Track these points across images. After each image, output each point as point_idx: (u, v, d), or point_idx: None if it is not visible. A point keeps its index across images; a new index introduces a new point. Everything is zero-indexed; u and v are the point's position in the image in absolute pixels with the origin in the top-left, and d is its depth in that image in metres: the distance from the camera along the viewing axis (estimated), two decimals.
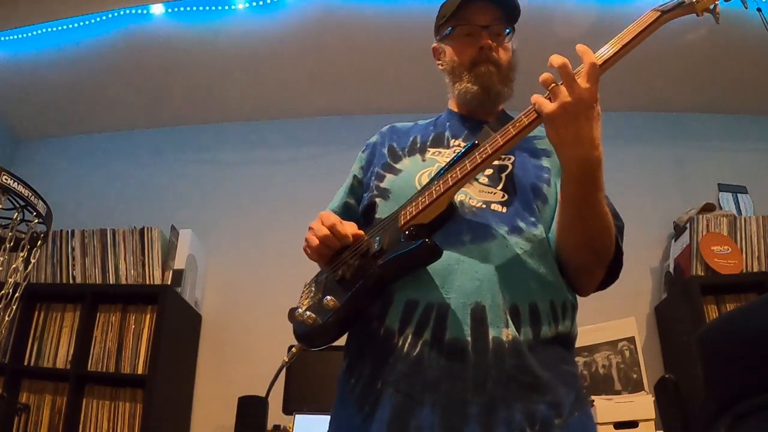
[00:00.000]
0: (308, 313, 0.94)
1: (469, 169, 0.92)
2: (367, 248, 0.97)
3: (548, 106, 0.85)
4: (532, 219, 1.00)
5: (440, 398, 0.87)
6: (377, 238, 0.96)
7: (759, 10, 2.30)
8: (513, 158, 1.07)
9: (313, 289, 1.04)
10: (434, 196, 0.94)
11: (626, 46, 0.88)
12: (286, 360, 1.00)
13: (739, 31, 2.61)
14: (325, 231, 1.00)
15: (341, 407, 0.99)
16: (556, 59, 0.84)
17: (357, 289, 0.94)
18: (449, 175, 0.94)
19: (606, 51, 0.88)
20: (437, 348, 0.89)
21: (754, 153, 3.05)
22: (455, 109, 1.23)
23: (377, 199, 1.10)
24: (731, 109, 3.11)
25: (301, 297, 1.06)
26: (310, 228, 1.04)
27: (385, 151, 1.18)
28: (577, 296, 1.04)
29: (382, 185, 1.11)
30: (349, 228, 1.01)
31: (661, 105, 3.12)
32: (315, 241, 1.01)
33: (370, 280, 0.93)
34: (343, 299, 0.93)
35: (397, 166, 1.13)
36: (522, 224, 0.98)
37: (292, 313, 0.98)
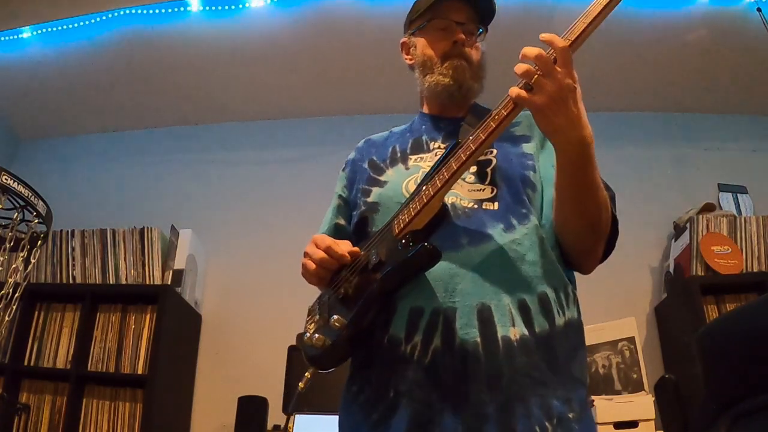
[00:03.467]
0: (317, 335, 0.94)
1: (455, 168, 0.92)
2: (365, 263, 0.97)
3: (537, 99, 0.85)
4: (524, 211, 1.00)
5: (459, 404, 0.87)
6: (374, 251, 0.96)
7: (759, 10, 2.30)
8: (495, 151, 1.07)
9: (317, 312, 1.04)
10: (425, 200, 0.93)
11: (591, 24, 0.86)
12: (302, 386, 0.99)
13: (739, 32, 2.61)
14: (321, 254, 1.00)
15: (345, 415, 1.00)
16: (530, 51, 0.85)
17: (361, 304, 0.94)
18: (437, 177, 0.94)
19: (572, 32, 0.86)
20: (449, 353, 0.90)
21: (754, 153, 3.05)
22: (427, 111, 1.23)
23: (368, 214, 1.09)
24: (731, 109, 3.11)
25: (307, 322, 1.06)
26: (305, 253, 1.04)
27: (366, 165, 1.17)
28: (576, 294, 1.04)
29: (369, 200, 1.10)
30: (345, 247, 1.01)
31: (661, 105, 3.12)
32: (312, 265, 1.01)
33: (373, 294, 0.93)
34: (349, 316, 0.93)
35: (382, 178, 1.12)
36: (515, 219, 0.99)
37: (300, 339, 0.98)
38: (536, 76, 0.84)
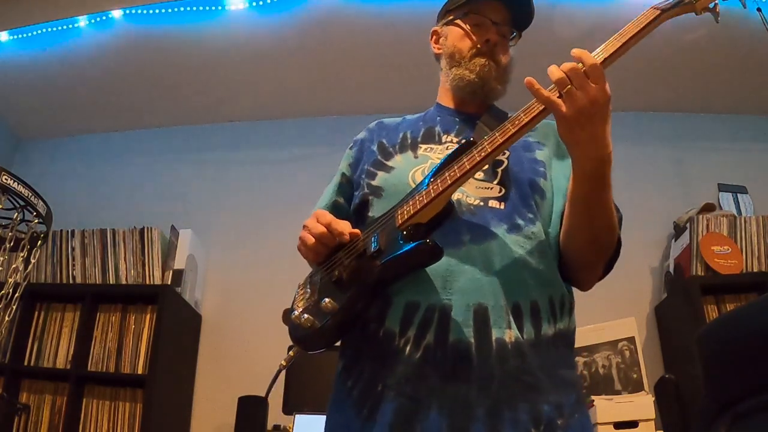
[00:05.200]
0: (305, 315, 0.92)
1: (468, 168, 0.91)
2: (363, 248, 0.95)
3: (565, 109, 0.84)
4: (530, 215, 1.00)
5: (446, 401, 0.86)
6: (374, 238, 0.95)
7: (759, 10, 2.30)
8: (508, 153, 1.06)
9: (308, 290, 1.01)
10: (432, 195, 0.92)
11: (625, 45, 0.87)
12: (284, 363, 0.98)
13: (739, 32, 2.61)
14: (321, 228, 0.98)
15: (337, 410, 0.98)
16: (566, 65, 0.84)
17: (356, 290, 0.92)
18: (447, 174, 0.93)
19: (604, 50, 0.87)
20: (441, 350, 0.89)
21: (754, 153, 3.05)
22: (444, 103, 1.22)
23: (370, 197, 1.08)
24: (731, 109, 3.11)
25: (295, 299, 1.04)
26: (304, 226, 1.02)
27: (375, 147, 1.16)
28: (575, 295, 1.04)
29: (374, 183, 1.09)
30: (345, 226, 0.98)
31: (661, 105, 3.12)
32: (311, 239, 0.99)
33: (369, 282, 0.92)
34: (342, 301, 0.91)
35: (389, 163, 1.11)
36: (520, 221, 0.98)
37: (287, 315, 0.96)
38: (569, 86, 0.84)
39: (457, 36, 1.17)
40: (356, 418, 0.92)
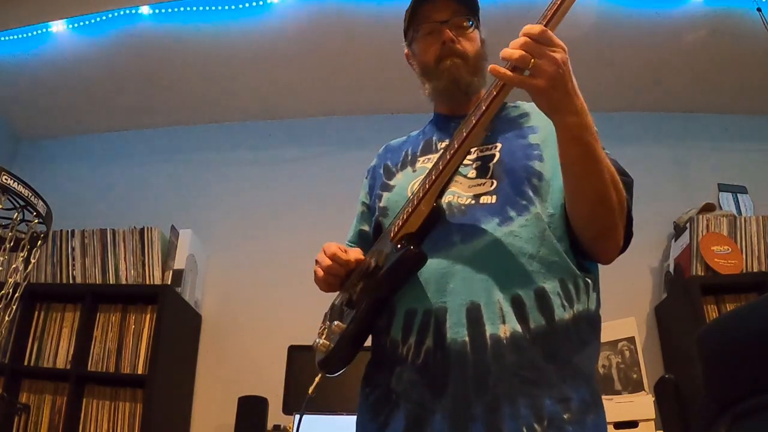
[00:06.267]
0: (321, 341, 0.98)
1: (441, 168, 0.93)
2: (367, 267, 0.99)
3: (538, 82, 0.83)
4: (524, 202, 0.98)
5: (448, 404, 0.88)
6: (374, 256, 0.99)
7: (759, 10, 2.30)
8: (500, 145, 1.06)
9: (327, 318, 1.07)
10: (415, 203, 0.95)
11: (563, 4, 0.84)
12: (311, 391, 1.02)
13: (739, 32, 2.61)
14: (328, 261, 1.03)
15: (359, 417, 1.03)
16: (516, 42, 0.83)
17: (359, 309, 0.97)
18: (426, 180, 0.96)
19: (546, 16, 0.85)
20: (440, 352, 0.91)
21: (754, 153, 3.04)
22: (439, 111, 1.23)
23: (380, 219, 1.12)
24: (731, 109, 3.11)
25: (319, 328, 1.09)
26: (316, 261, 1.07)
27: (382, 171, 1.20)
28: (595, 284, 1.00)
29: (381, 205, 1.12)
30: (353, 254, 1.04)
31: (661, 105, 3.12)
32: (320, 272, 1.05)
33: (370, 298, 0.96)
34: (347, 321, 0.97)
35: (391, 182, 1.14)
36: (512, 213, 0.97)
37: (313, 345, 1.02)
38: (532, 60, 0.82)
39: (419, 52, 1.18)
40: (371, 423, 0.97)
